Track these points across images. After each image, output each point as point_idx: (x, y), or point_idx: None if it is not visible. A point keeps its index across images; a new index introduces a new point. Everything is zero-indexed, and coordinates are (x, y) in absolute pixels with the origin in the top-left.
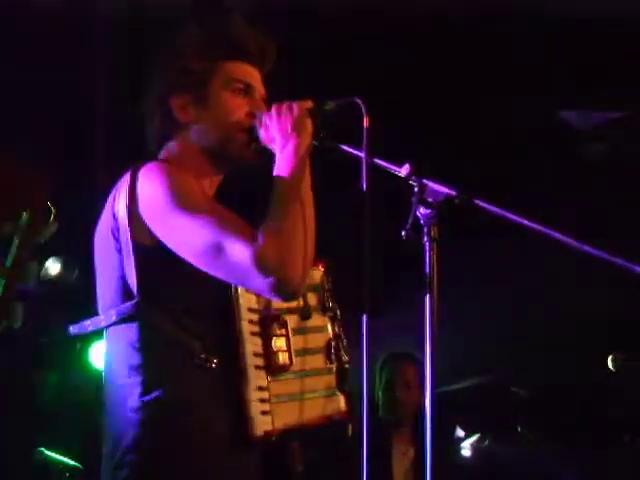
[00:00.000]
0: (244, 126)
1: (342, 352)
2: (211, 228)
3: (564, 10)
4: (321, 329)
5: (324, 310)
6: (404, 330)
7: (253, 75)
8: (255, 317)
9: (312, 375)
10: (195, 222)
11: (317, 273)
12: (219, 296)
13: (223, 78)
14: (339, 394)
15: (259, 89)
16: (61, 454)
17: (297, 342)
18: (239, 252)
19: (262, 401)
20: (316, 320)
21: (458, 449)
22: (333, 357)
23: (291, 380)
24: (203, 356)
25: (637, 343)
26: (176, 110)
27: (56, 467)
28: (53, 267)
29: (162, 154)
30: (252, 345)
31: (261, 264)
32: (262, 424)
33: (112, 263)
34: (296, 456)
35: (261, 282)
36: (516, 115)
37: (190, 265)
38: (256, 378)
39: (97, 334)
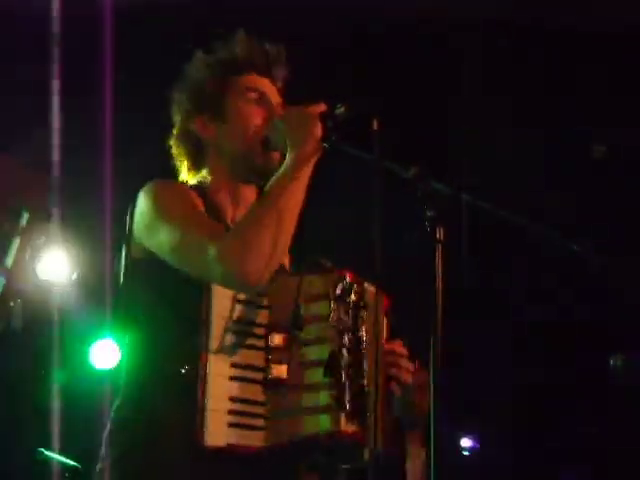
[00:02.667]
0: (260, 135)
1: (351, 368)
2: (183, 228)
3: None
4: (322, 341)
5: (335, 321)
6: (407, 332)
7: (266, 85)
8: (239, 327)
9: (308, 389)
10: (170, 224)
11: (334, 282)
12: (199, 305)
13: (237, 89)
14: (339, 411)
15: (274, 98)
16: (61, 454)
17: (292, 354)
18: (201, 246)
19: (232, 413)
20: (316, 331)
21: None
22: (338, 371)
23: (285, 394)
24: (187, 367)
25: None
26: (199, 131)
27: (56, 467)
28: (52, 267)
29: (195, 182)
30: (221, 354)
31: (217, 258)
32: (222, 435)
33: (119, 272)
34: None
35: (215, 274)
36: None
37: (176, 275)
38: (226, 388)
39: (97, 334)
